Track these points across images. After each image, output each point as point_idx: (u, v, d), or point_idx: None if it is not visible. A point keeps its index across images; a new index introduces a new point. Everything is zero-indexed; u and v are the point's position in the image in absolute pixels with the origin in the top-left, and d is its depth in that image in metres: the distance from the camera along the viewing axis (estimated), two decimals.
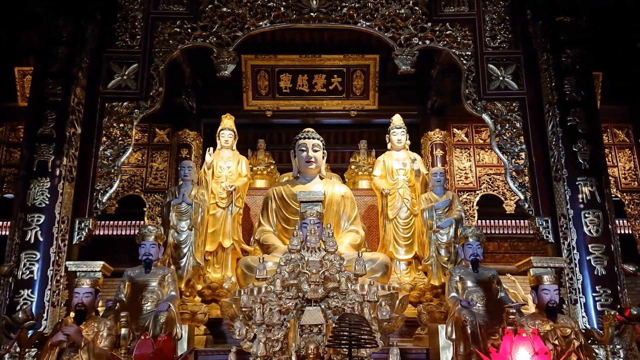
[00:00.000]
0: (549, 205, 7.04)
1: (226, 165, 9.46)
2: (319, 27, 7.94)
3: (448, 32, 7.71)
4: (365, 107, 11.03)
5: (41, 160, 6.74)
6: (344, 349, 4.59)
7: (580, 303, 6.48)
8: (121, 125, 7.34)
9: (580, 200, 6.76)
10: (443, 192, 8.69)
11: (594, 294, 6.46)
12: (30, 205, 6.59)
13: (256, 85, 10.80)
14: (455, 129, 10.77)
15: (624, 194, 10.36)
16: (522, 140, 7.31)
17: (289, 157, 9.74)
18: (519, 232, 12.78)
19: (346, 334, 4.32)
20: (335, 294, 4.99)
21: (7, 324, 5.39)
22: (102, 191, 7.09)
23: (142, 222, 10.30)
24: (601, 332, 5.88)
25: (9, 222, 6.89)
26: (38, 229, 6.51)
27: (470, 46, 7.67)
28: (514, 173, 7.24)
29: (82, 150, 7.11)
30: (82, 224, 6.95)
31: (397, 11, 7.71)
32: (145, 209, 10.29)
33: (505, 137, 7.34)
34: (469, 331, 5.91)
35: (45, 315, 6.26)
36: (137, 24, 7.71)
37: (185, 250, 8.16)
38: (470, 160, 10.61)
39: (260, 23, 7.74)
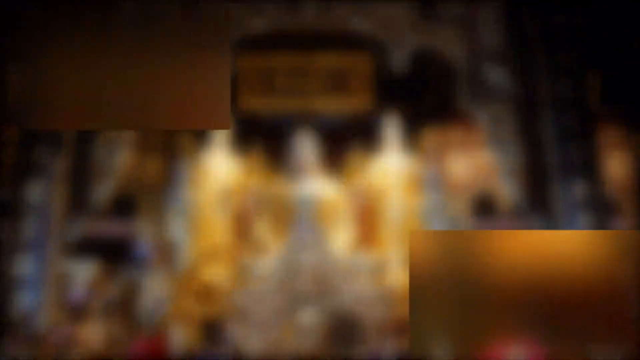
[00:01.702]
0: (543, 204, 7.05)
1: (222, 165, 9.43)
2: (314, 26, 7.94)
3: (443, 32, 7.72)
4: (360, 107, 11.01)
5: (37, 159, 6.73)
6: (340, 349, 4.59)
7: None
8: None
9: (574, 200, 6.78)
10: (438, 192, 8.69)
11: None
12: (26, 205, 6.58)
13: (251, 85, 10.77)
14: (450, 129, 10.75)
15: (619, 194, 10.36)
16: (517, 140, 7.32)
17: (284, 157, 9.73)
18: None
19: (342, 333, 4.33)
20: (330, 293, 5.00)
21: (2, 324, 5.38)
22: (97, 191, 7.08)
23: (137, 222, 10.27)
24: None
25: (4, 222, 6.86)
26: (33, 228, 6.50)
27: (465, 46, 7.68)
28: (508, 172, 7.24)
29: (78, 150, 7.10)
30: (78, 224, 6.94)
31: (392, 11, 7.71)
32: (140, 209, 10.25)
33: (499, 137, 7.35)
34: None
35: (40, 315, 6.25)
36: None
37: (181, 250, 8.14)
38: (465, 160, 10.60)
39: (256, 23, 7.73)
